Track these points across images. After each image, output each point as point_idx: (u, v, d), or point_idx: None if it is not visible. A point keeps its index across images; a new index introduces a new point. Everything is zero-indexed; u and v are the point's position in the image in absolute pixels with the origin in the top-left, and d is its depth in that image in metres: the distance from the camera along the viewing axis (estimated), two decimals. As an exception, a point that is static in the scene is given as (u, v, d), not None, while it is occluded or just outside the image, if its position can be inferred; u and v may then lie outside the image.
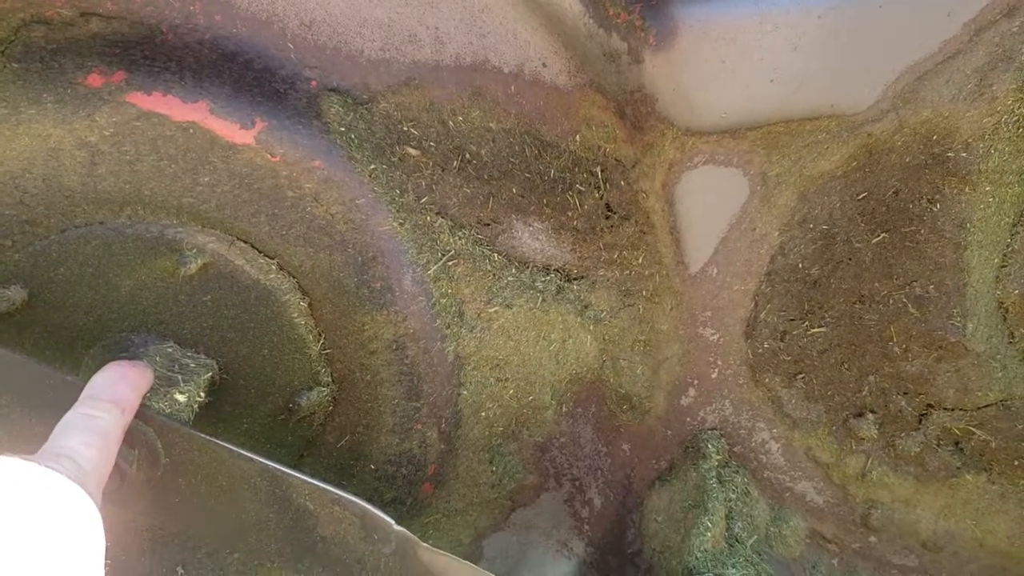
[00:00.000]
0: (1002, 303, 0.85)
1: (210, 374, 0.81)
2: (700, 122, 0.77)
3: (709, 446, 0.93)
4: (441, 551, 0.76)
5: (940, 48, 0.74)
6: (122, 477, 0.71)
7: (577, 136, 0.83)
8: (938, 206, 0.81)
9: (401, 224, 0.82)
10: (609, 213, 0.86)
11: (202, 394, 0.79)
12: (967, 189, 0.79)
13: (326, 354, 0.86)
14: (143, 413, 0.73)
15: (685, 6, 0.73)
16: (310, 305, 0.83)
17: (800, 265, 0.85)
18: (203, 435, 0.74)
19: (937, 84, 0.76)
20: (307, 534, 0.76)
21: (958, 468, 0.93)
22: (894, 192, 0.81)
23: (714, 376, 0.91)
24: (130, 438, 0.72)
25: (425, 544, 0.75)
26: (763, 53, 0.74)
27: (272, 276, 0.82)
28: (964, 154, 0.78)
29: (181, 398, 0.77)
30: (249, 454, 0.74)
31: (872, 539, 0.98)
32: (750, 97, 0.76)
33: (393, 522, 0.74)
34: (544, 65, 0.81)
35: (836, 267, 0.85)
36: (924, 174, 0.80)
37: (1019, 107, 0.76)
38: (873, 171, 0.80)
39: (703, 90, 0.75)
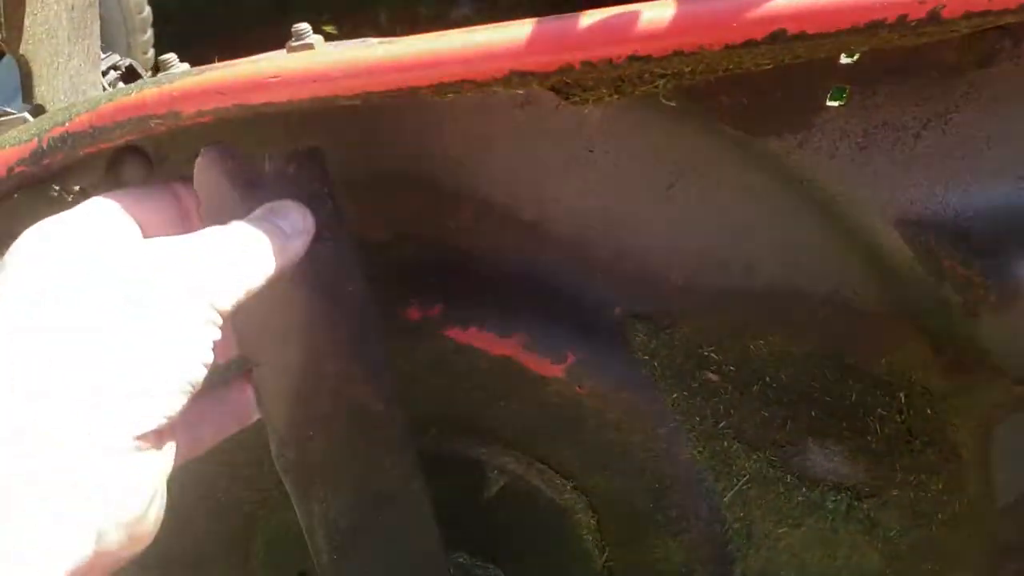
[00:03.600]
0: None
1: None
2: (1036, 376, 0.73)
3: None
4: None
5: None
6: None
7: (883, 360, 0.80)
8: None
9: (700, 452, 0.81)
10: (911, 438, 0.82)
11: None
12: None
13: (609, 565, 0.85)
14: None
15: (1031, 264, 0.69)
16: (598, 523, 0.83)
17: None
18: None
19: None
20: None
21: None
22: None
23: (1013, 605, 0.86)
24: None
25: None
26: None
27: (567, 496, 0.82)
28: None
29: None
30: None
31: None
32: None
33: None
34: (856, 294, 0.78)
35: None
36: None
37: None
38: None
39: (1045, 347, 0.71)
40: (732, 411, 0.82)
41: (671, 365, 0.80)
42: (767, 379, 0.81)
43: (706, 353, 0.81)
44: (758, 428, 0.83)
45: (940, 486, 0.84)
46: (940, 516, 0.85)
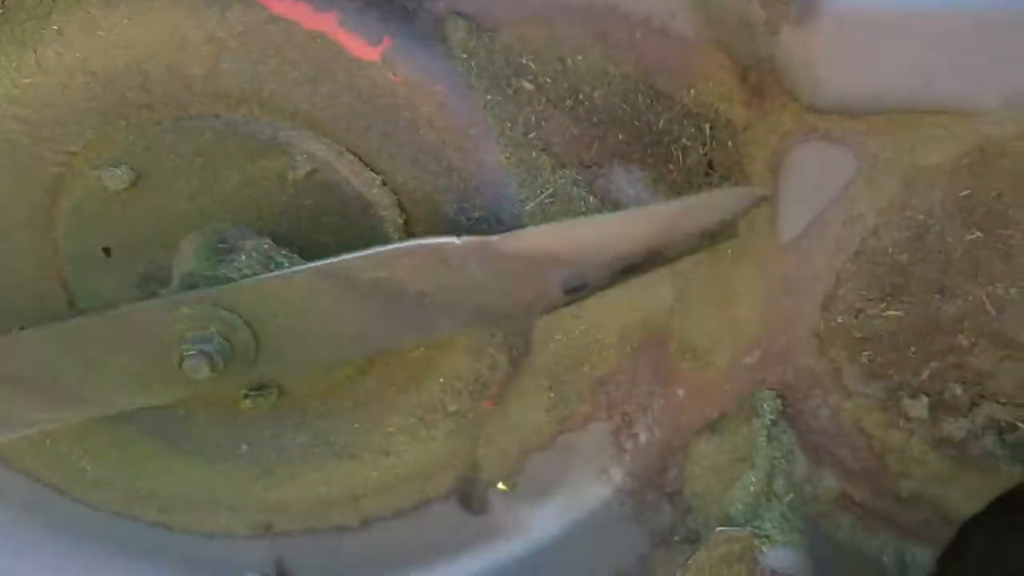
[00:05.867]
0: (1076, 312, 0.87)
1: None
2: (825, 101, 0.77)
3: (764, 405, 0.96)
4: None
5: (1080, 64, 0.73)
6: None
7: (692, 90, 0.83)
8: (1039, 215, 0.81)
9: (507, 158, 0.83)
10: (710, 171, 0.86)
11: None
12: (1071, 203, 0.80)
13: (414, 270, 0.87)
14: None
15: (833, -15, 0.72)
16: (406, 223, 0.85)
17: (889, 250, 0.86)
18: None
19: (1068, 100, 0.76)
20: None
21: (997, 458, 0.97)
22: (997, 195, 0.82)
23: (782, 341, 0.93)
24: None
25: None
26: (902, 43, 0.73)
27: (375, 191, 0.83)
28: (1076, 169, 0.78)
29: None
30: None
31: (898, 508, 1.02)
32: (880, 84, 0.76)
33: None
34: (673, 16, 0.80)
35: (924, 257, 0.86)
36: (1032, 183, 0.80)
37: None
38: (981, 171, 0.81)
39: (835, 71, 0.75)
40: (543, 123, 0.83)
41: (488, 68, 0.81)
42: (580, 96, 0.83)
43: (524, 61, 0.82)
44: (567, 144, 0.85)
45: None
46: (729, 251, 0.90)
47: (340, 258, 0.76)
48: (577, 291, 0.78)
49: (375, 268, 0.76)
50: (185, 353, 0.76)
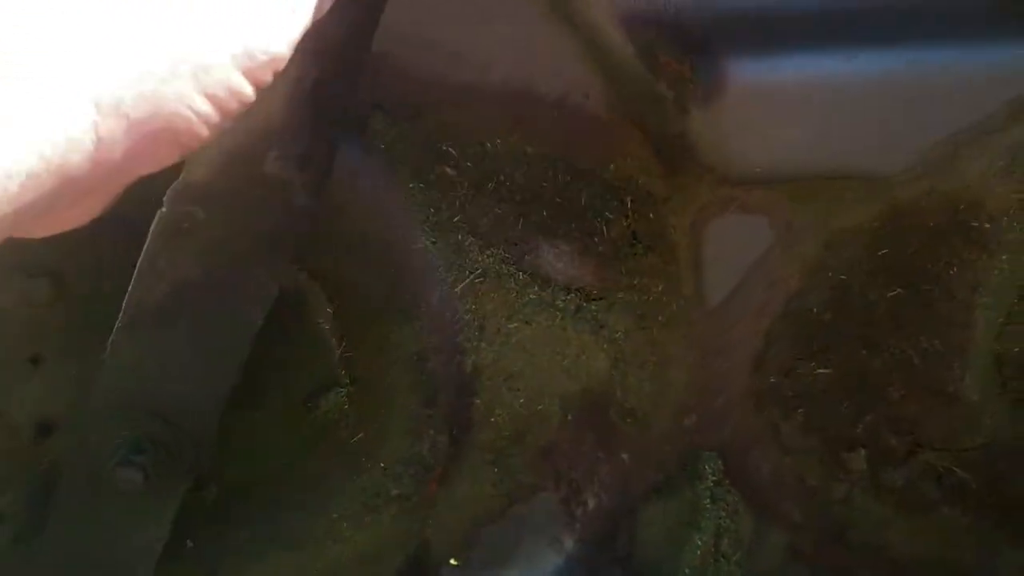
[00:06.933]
0: (999, 357, 0.89)
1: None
2: (737, 173, 0.78)
3: (706, 467, 0.97)
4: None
5: (979, 123, 0.76)
6: None
7: (611, 165, 0.85)
8: (955, 269, 0.83)
9: (433, 243, 0.84)
10: (635, 242, 0.88)
11: None
12: (985, 256, 0.82)
13: (347, 357, 0.87)
14: None
15: (735, 62, 0.74)
16: (335, 311, 0.85)
17: (814, 310, 0.88)
18: None
19: (971, 156, 0.78)
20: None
21: (935, 502, 0.98)
22: (914, 251, 0.84)
23: (718, 403, 0.95)
24: None
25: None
26: (806, 112, 0.76)
27: (301, 282, 0.83)
28: (987, 225, 0.81)
29: None
30: None
31: (848, 556, 1.03)
32: (788, 153, 0.78)
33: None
34: (586, 97, 0.82)
35: (849, 315, 0.88)
36: (946, 239, 0.82)
37: (1045, 185, 0.79)
38: (897, 230, 0.83)
39: (744, 144, 0.77)
40: (467, 206, 0.84)
41: (409, 156, 0.82)
42: (502, 178, 0.84)
43: (444, 148, 0.83)
44: (492, 224, 0.86)
45: (660, 288, 0.90)
46: (660, 318, 0.92)
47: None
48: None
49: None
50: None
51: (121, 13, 0.43)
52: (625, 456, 1.01)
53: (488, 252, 0.86)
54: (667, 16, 0.75)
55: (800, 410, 0.94)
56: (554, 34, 0.78)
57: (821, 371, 0.91)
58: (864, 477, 0.98)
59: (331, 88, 0.61)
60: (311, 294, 0.84)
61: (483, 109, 0.82)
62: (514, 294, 0.89)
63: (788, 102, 0.75)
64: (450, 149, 0.83)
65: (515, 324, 0.90)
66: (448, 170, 0.83)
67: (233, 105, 0.47)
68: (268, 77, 0.48)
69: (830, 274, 0.86)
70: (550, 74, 0.80)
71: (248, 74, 0.46)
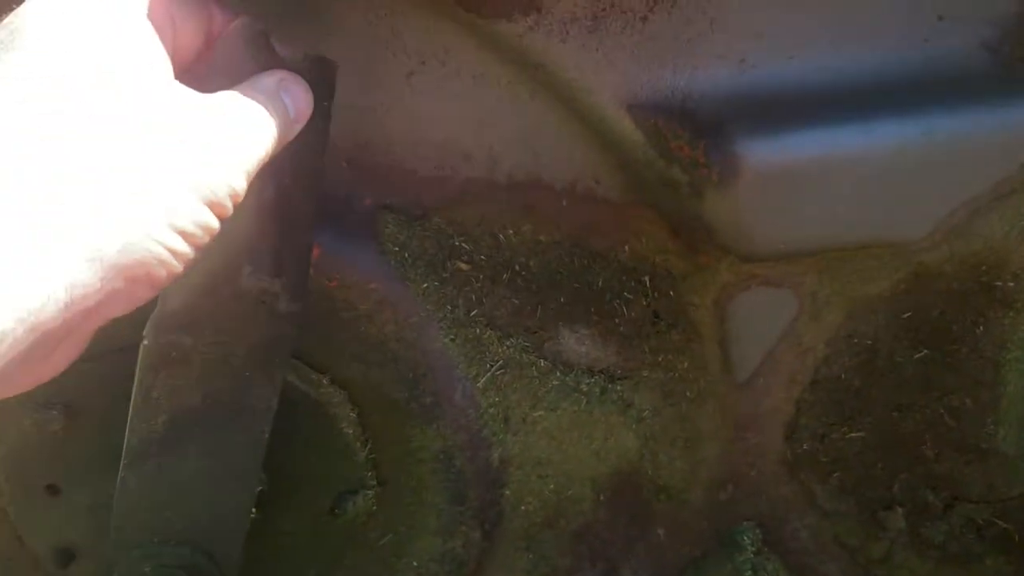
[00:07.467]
0: (1032, 409, 0.88)
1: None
2: (757, 251, 0.77)
3: (745, 538, 0.95)
4: None
5: (996, 186, 0.75)
6: None
7: (626, 247, 0.84)
8: (981, 328, 0.82)
9: (452, 340, 0.82)
10: (656, 320, 0.86)
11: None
12: (1011, 314, 0.81)
13: (372, 459, 0.86)
14: None
15: (749, 143, 0.73)
16: (359, 415, 0.84)
17: (843, 376, 0.86)
18: None
19: (990, 220, 0.77)
20: None
21: (979, 554, 0.96)
22: (939, 313, 0.83)
23: (752, 475, 0.93)
24: None
25: None
26: (824, 187, 0.74)
27: (323, 390, 0.82)
28: (1011, 284, 0.80)
29: None
30: None
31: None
32: (808, 229, 0.76)
33: None
34: (597, 182, 0.81)
35: (878, 379, 0.86)
36: (970, 300, 0.81)
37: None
38: (920, 294, 0.82)
39: (763, 223, 0.76)
40: (484, 299, 0.83)
41: (422, 256, 0.81)
42: (517, 268, 0.83)
43: (457, 243, 0.82)
44: (510, 315, 0.84)
45: (686, 365, 0.89)
46: (688, 394, 0.90)
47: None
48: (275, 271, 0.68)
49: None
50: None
51: (89, 167, 0.43)
52: (661, 532, 0.99)
53: (508, 343, 0.85)
54: (674, 102, 0.74)
55: (835, 475, 0.92)
56: (560, 123, 0.77)
57: (854, 435, 0.89)
58: (903, 534, 0.96)
59: (292, 198, 0.64)
60: (334, 400, 0.82)
61: (493, 202, 0.81)
62: (537, 382, 0.87)
63: (805, 179, 0.74)
64: (463, 244, 0.82)
65: (540, 412, 0.88)
66: (462, 265, 0.82)
67: (202, 238, 0.49)
68: (230, 206, 0.50)
69: (856, 340, 0.85)
70: (559, 162, 0.80)
71: (212, 207, 0.48)
